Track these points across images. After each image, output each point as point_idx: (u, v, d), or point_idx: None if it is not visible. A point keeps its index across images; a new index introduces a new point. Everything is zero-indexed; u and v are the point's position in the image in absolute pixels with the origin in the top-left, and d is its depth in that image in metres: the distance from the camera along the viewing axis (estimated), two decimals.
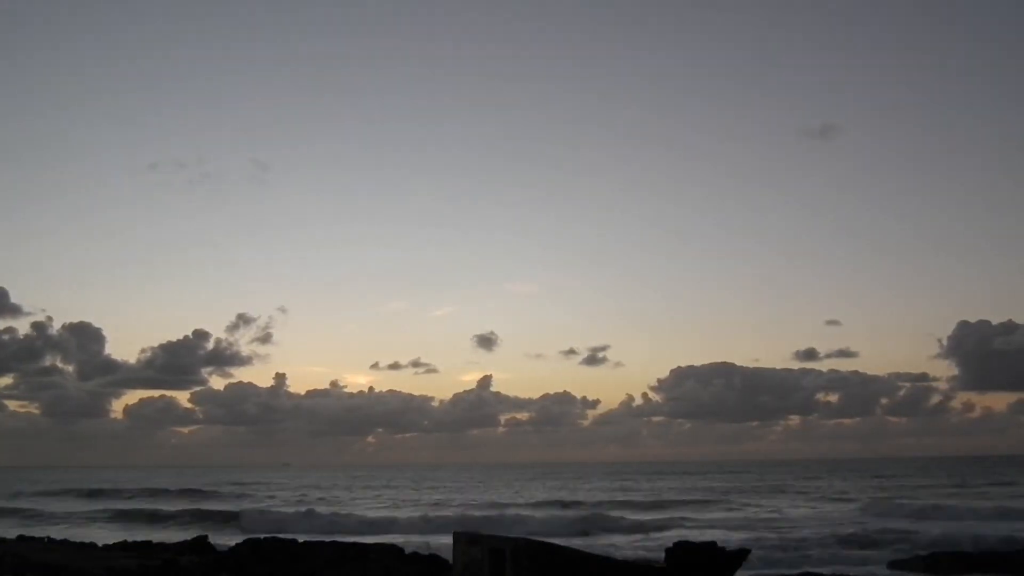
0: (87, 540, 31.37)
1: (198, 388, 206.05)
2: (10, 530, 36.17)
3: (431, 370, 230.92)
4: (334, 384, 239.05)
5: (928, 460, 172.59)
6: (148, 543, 29.67)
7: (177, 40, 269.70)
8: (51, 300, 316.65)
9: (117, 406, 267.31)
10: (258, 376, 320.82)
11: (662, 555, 16.35)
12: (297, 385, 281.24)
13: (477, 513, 50.44)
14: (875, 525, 38.24)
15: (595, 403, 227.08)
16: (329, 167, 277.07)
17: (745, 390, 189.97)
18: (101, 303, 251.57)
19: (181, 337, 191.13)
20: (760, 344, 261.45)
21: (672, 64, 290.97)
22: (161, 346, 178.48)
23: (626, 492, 76.18)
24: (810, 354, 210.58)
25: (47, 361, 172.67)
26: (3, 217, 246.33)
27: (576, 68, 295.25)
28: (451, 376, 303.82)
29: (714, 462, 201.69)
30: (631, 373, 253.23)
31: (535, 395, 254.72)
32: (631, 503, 59.55)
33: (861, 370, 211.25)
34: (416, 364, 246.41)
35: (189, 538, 29.64)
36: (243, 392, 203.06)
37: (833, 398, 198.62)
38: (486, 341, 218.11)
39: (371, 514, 50.71)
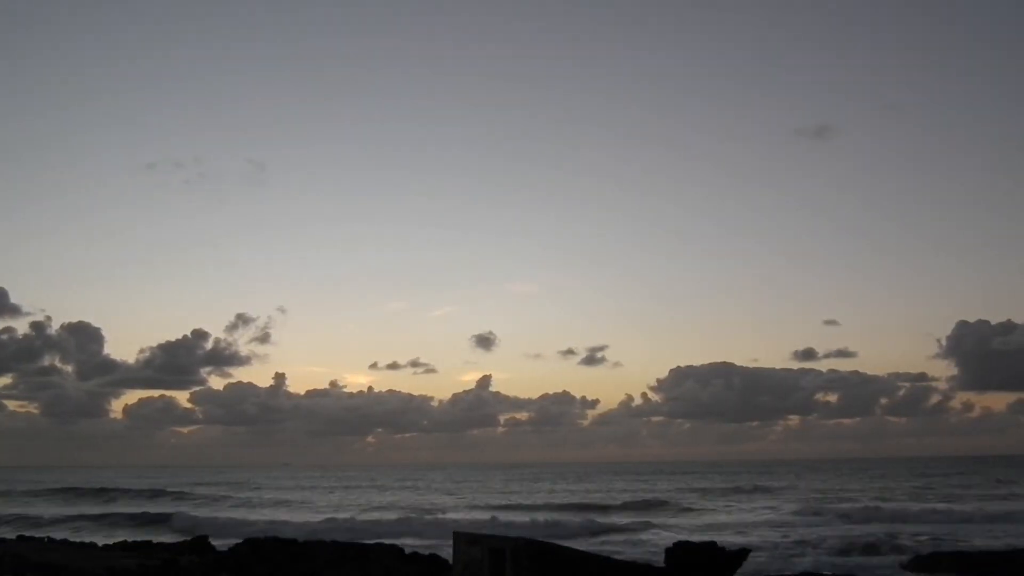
0: (86, 540, 31.39)
1: (197, 388, 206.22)
2: None
3: (430, 370, 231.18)
4: (333, 384, 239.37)
5: (927, 460, 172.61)
6: (148, 543, 29.70)
7: (174, 40, 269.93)
8: (50, 300, 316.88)
9: (116, 406, 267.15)
10: (257, 376, 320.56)
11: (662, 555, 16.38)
12: (296, 385, 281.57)
13: (409, 516, 48.96)
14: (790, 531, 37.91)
15: (594, 403, 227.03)
16: (328, 167, 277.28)
17: (744, 390, 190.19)
18: (100, 303, 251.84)
19: (180, 337, 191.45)
20: (759, 344, 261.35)
21: (671, 65, 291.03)
22: (160, 346, 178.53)
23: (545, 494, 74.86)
24: (809, 354, 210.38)
25: (46, 361, 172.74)
26: (2, 217, 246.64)
27: (575, 68, 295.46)
28: (450, 376, 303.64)
29: (714, 462, 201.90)
30: (630, 373, 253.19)
31: (534, 395, 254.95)
32: (546, 505, 59.23)
33: (860, 370, 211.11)
34: (415, 364, 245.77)
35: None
36: (243, 392, 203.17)
37: (832, 398, 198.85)
38: (485, 341, 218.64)
39: (314, 518, 48.72)
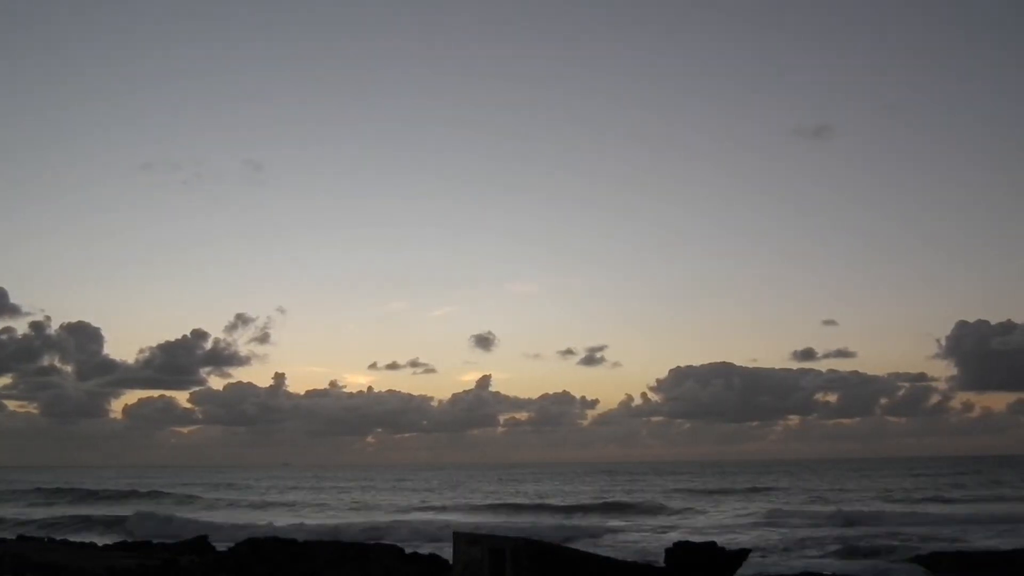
0: (86, 540, 31.40)
1: (197, 388, 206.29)
2: None
3: (429, 370, 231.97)
4: (333, 384, 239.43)
5: (927, 460, 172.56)
6: (148, 543, 29.71)
7: (172, 41, 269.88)
8: (50, 300, 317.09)
9: (116, 406, 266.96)
10: (257, 376, 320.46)
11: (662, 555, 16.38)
12: (296, 385, 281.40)
13: (358, 520, 48.11)
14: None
15: (594, 403, 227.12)
16: (327, 167, 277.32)
17: (744, 390, 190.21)
18: (100, 303, 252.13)
19: (180, 337, 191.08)
20: (758, 344, 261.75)
21: (670, 65, 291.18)
22: (159, 346, 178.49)
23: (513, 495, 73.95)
24: (808, 354, 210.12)
25: (46, 361, 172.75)
26: (2, 217, 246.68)
27: (574, 69, 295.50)
28: (449, 376, 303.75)
29: (714, 462, 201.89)
30: (630, 373, 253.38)
31: (534, 395, 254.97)
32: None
33: (860, 370, 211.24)
34: (415, 364, 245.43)
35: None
36: (242, 392, 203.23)
37: (832, 398, 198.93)
38: (484, 341, 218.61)
39: (283, 520, 47.79)
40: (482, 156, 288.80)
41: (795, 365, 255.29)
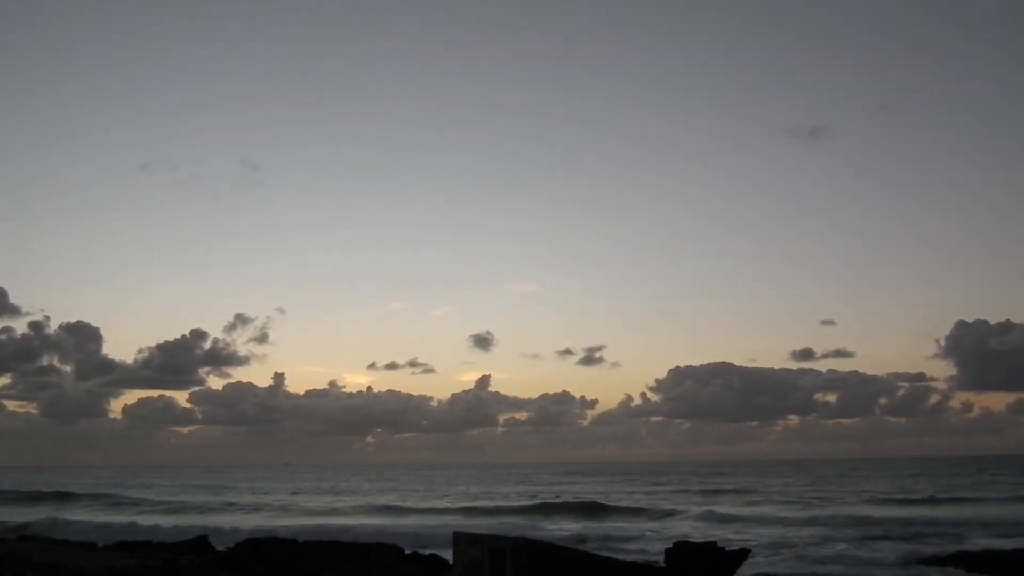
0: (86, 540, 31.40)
1: (196, 388, 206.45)
2: None
3: (428, 370, 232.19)
4: (332, 384, 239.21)
5: (926, 460, 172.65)
6: (148, 543, 29.72)
7: (170, 41, 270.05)
8: (49, 300, 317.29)
9: (116, 406, 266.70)
10: (256, 376, 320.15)
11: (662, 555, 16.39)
12: (295, 385, 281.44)
13: (358, 520, 47.85)
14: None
15: (593, 403, 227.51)
16: (325, 168, 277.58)
17: (744, 390, 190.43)
18: (99, 303, 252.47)
19: (179, 337, 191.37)
20: (757, 344, 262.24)
21: (667, 66, 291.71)
22: (159, 346, 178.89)
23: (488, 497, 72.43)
24: (806, 354, 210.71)
25: (45, 361, 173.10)
26: (1, 217, 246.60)
27: (572, 69, 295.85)
28: (449, 376, 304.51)
29: (714, 462, 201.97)
30: (629, 373, 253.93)
31: (534, 395, 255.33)
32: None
33: (859, 370, 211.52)
34: (414, 364, 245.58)
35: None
36: (242, 392, 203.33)
37: (832, 398, 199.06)
38: (483, 341, 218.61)
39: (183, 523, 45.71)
40: (481, 156, 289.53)
41: (794, 365, 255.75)
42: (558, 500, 62.27)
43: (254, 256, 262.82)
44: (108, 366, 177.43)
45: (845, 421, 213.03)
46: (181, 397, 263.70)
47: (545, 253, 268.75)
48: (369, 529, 39.07)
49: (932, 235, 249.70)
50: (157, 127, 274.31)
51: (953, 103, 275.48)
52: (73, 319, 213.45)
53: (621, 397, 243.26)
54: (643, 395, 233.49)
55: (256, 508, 61.03)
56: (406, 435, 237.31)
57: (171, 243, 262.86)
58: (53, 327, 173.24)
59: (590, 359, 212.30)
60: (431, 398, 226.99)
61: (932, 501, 55.28)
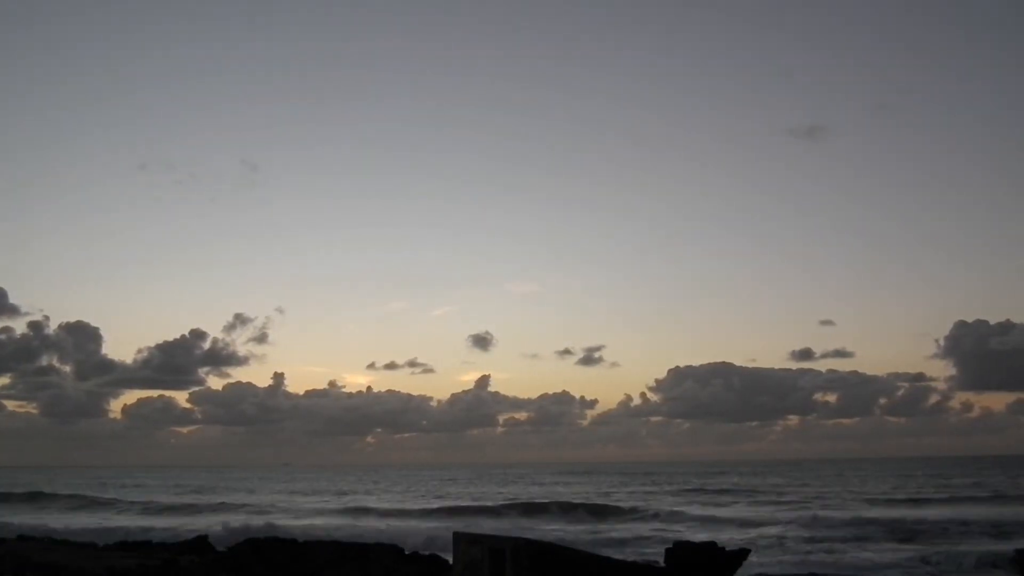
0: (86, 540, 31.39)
1: (196, 388, 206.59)
2: None
3: (427, 370, 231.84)
4: (332, 384, 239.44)
5: (926, 460, 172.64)
6: (148, 543, 29.71)
7: (169, 41, 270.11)
8: (48, 300, 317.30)
9: (115, 406, 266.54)
10: (256, 376, 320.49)
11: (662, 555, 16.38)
12: (295, 385, 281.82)
13: (358, 520, 47.73)
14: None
15: (593, 403, 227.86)
16: (324, 168, 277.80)
17: (744, 390, 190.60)
18: (98, 303, 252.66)
19: (178, 337, 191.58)
20: (756, 344, 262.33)
21: (666, 66, 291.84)
22: (158, 346, 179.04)
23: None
24: (806, 354, 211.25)
25: (44, 361, 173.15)
26: (0, 217, 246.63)
27: (572, 69, 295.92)
28: (448, 376, 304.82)
29: (714, 462, 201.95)
30: (629, 373, 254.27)
31: (533, 395, 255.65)
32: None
33: (859, 370, 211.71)
34: (413, 364, 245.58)
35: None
36: (241, 392, 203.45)
37: (831, 398, 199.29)
38: (483, 341, 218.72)
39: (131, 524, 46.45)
40: (481, 156, 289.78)
41: (794, 365, 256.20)
42: (558, 500, 62.30)
43: (253, 256, 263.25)
44: (108, 366, 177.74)
45: (845, 421, 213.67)
46: (181, 397, 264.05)
47: (545, 253, 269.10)
48: (369, 529, 39.25)
49: (932, 235, 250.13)
50: (156, 127, 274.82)
51: (953, 103, 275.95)
52: (73, 319, 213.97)
53: (621, 397, 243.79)
54: (643, 395, 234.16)
55: (256, 508, 61.01)
56: (406, 435, 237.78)
57: (170, 243, 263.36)
58: (53, 327, 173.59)
59: (590, 359, 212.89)
60: (431, 398, 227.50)
61: (932, 501, 55.31)
